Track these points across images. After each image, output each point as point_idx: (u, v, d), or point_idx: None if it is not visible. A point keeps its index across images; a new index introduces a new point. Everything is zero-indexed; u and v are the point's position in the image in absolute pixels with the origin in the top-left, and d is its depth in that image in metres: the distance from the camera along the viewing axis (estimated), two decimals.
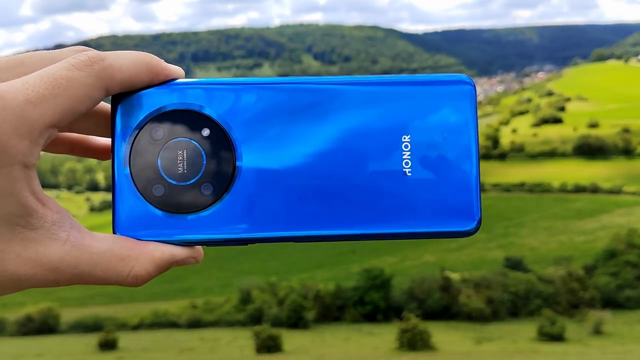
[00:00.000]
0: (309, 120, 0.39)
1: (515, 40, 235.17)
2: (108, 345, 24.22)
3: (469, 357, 20.98)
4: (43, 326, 28.46)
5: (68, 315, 30.42)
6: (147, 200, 0.38)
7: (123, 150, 0.38)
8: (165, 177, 0.38)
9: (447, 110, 0.38)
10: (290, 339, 23.81)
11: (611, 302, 25.05)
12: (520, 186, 64.44)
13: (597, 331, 22.96)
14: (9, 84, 0.32)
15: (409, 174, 0.38)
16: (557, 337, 21.97)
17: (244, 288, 30.97)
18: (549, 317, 22.67)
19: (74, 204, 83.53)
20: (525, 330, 23.13)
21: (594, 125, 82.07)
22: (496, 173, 72.36)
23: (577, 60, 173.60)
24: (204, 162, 0.38)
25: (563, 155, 74.10)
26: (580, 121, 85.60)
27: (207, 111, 0.39)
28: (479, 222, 0.39)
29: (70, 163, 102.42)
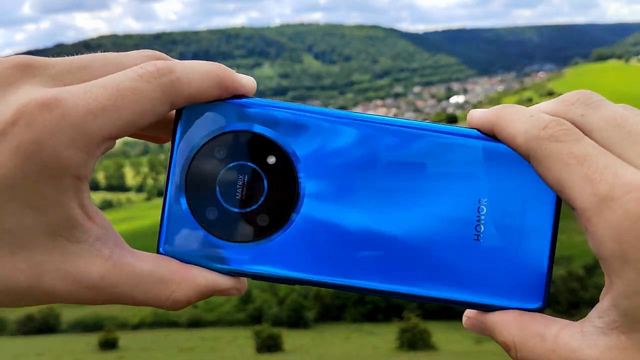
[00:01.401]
0: (381, 165, 0.37)
1: (516, 39, 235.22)
2: (108, 344, 24.23)
3: (469, 357, 20.98)
4: (43, 325, 28.50)
5: (68, 314, 30.45)
6: (199, 223, 0.37)
7: (181, 166, 0.37)
8: (222, 201, 0.37)
9: (532, 179, 0.36)
10: (291, 339, 23.82)
11: None
12: None
13: None
14: (71, 90, 0.31)
15: (480, 240, 0.37)
16: None
17: None
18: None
19: None
20: None
21: None
22: None
23: (578, 60, 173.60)
24: (265, 191, 0.37)
25: None
26: None
27: (275, 137, 0.37)
28: (545, 303, 0.37)
29: None
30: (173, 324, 29.30)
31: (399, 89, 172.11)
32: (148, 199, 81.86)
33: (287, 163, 0.37)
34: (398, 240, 0.37)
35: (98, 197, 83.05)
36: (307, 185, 0.37)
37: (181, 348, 24.58)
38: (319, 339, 24.87)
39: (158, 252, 0.37)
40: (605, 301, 0.32)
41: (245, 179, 0.37)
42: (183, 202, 0.37)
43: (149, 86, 0.33)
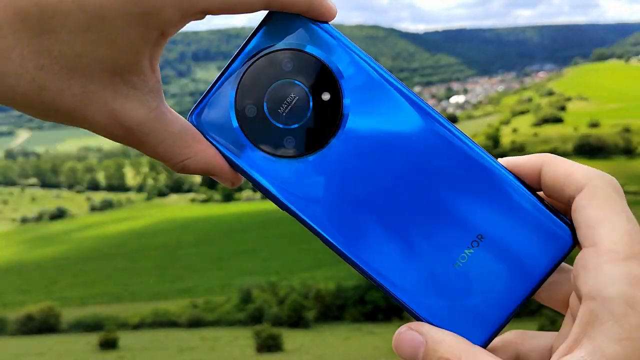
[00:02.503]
0: (413, 156, 0.38)
1: (516, 39, 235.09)
2: (108, 344, 24.22)
3: None
4: (44, 325, 28.47)
5: (69, 314, 30.43)
6: (235, 115, 0.38)
7: (245, 61, 0.39)
8: (265, 106, 0.38)
9: (535, 245, 0.38)
10: (291, 339, 23.80)
11: None
12: None
13: None
14: None
15: (456, 267, 0.38)
16: None
17: (244, 288, 30.98)
18: (549, 317, 22.67)
19: (75, 203, 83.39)
20: (526, 329, 23.08)
21: (594, 125, 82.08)
22: None
23: (578, 60, 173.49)
24: (304, 119, 0.38)
25: (564, 154, 73.07)
26: (580, 121, 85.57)
27: (336, 74, 0.38)
28: (486, 345, 0.38)
29: (70, 162, 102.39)
30: (173, 324, 29.28)
31: None
32: (148, 199, 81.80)
33: (336, 105, 0.38)
34: (394, 227, 0.38)
35: (99, 196, 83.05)
36: (348, 127, 0.38)
37: (181, 348, 24.57)
38: (319, 339, 24.86)
39: (188, 118, 0.39)
40: (586, 345, 0.32)
41: (294, 99, 0.38)
42: (232, 92, 0.39)
43: None
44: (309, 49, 0.38)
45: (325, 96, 0.38)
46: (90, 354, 24.15)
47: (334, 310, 28.27)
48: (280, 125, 0.38)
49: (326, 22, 0.39)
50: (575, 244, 0.38)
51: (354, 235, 0.38)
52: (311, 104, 0.38)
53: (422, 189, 0.38)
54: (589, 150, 70.34)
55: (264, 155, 0.38)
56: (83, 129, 0.36)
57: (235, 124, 0.38)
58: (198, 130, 0.38)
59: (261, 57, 0.38)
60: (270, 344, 22.30)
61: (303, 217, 0.38)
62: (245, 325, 27.47)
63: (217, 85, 0.39)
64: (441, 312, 0.38)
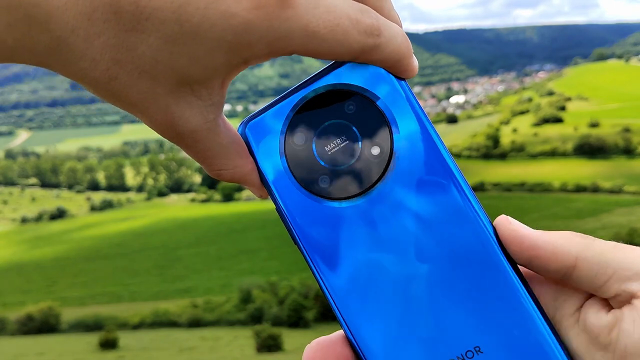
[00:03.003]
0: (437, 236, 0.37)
1: (516, 39, 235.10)
2: (109, 344, 24.24)
3: None
4: (44, 325, 28.49)
5: (69, 314, 30.44)
6: (284, 138, 0.38)
7: (311, 89, 0.38)
8: (314, 140, 0.38)
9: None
10: (291, 338, 23.82)
11: None
12: (521, 186, 64.45)
13: None
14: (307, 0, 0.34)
15: None
16: None
17: (244, 288, 31.00)
18: None
19: (75, 203, 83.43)
20: None
21: (594, 125, 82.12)
22: (497, 172, 72.30)
23: (578, 60, 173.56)
24: (348, 163, 0.38)
25: (564, 154, 74.10)
26: (580, 121, 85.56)
27: (395, 132, 0.38)
28: None
29: (70, 162, 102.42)
30: (173, 324, 29.29)
31: None
32: (148, 199, 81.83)
33: (380, 164, 0.37)
34: (392, 304, 0.37)
35: (98, 196, 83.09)
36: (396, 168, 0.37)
37: (181, 348, 24.59)
38: None
39: (240, 125, 0.40)
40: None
41: (344, 142, 0.38)
42: (289, 115, 0.39)
43: (356, 37, 0.34)
44: (380, 102, 0.38)
45: (375, 150, 0.38)
46: (90, 354, 24.16)
47: None
48: (321, 162, 0.38)
49: (404, 80, 0.38)
50: None
51: (349, 296, 0.37)
52: (358, 153, 0.38)
53: (436, 278, 0.37)
54: (589, 150, 70.36)
55: (295, 184, 0.38)
56: (139, 119, 0.38)
57: (279, 145, 0.38)
58: (243, 139, 0.39)
59: (330, 90, 0.38)
60: (270, 344, 22.31)
61: (307, 257, 0.38)
62: (245, 325, 27.49)
63: (278, 104, 0.39)
64: None
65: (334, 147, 0.38)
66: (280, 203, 0.38)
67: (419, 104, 0.38)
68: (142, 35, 0.32)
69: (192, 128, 0.36)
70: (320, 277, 0.37)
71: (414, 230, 0.37)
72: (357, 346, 0.37)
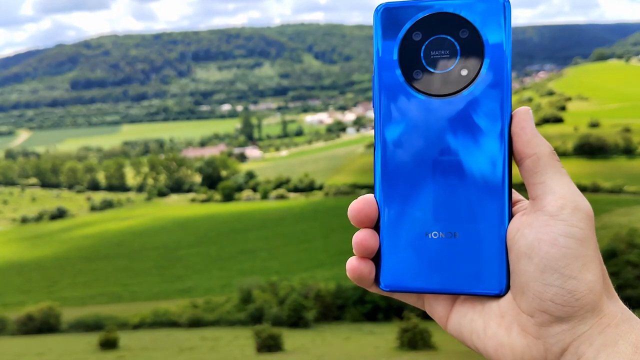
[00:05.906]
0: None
1: (516, 39, 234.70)
2: (109, 344, 24.20)
3: (469, 357, 20.95)
4: (44, 325, 28.45)
5: (69, 314, 30.39)
6: (403, 35, 0.48)
7: (435, 8, 0.48)
8: (424, 44, 0.48)
9: (478, 271, 0.49)
10: (291, 339, 23.78)
11: None
12: (521, 186, 64.28)
13: None
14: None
15: (427, 236, 0.48)
16: None
17: (244, 287, 30.96)
18: None
19: (75, 203, 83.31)
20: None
21: (594, 125, 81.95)
22: None
23: (578, 60, 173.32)
24: (445, 69, 0.48)
25: (564, 154, 73.94)
26: (581, 121, 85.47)
27: (487, 52, 0.47)
28: (390, 291, 0.50)
29: (70, 162, 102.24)
30: (173, 324, 29.26)
31: None
32: (148, 199, 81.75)
33: (467, 80, 0.47)
34: (417, 184, 0.48)
35: (98, 196, 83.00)
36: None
37: (181, 348, 24.55)
38: (319, 339, 24.83)
39: (380, 5, 0.49)
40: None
41: (445, 56, 0.48)
42: (413, 18, 0.48)
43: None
44: (486, 45, 0.47)
45: (464, 72, 0.47)
46: (90, 354, 24.12)
47: (334, 310, 28.25)
48: (423, 61, 0.47)
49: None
50: (501, 297, 0.48)
51: (387, 168, 0.48)
52: (450, 68, 0.47)
53: (451, 177, 0.47)
54: (589, 150, 70.27)
55: (396, 66, 0.48)
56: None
57: (398, 36, 0.48)
58: (374, 15, 0.48)
59: (456, 14, 0.47)
60: (270, 344, 22.28)
61: (377, 121, 0.48)
62: (245, 325, 27.44)
63: (415, 6, 0.48)
64: (396, 252, 0.48)
65: (436, 55, 0.47)
66: (376, 75, 0.48)
67: (510, 64, 0.47)
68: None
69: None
70: (379, 139, 0.48)
71: (452, 138, 0.46)
72: (378, 205, 0.48)
